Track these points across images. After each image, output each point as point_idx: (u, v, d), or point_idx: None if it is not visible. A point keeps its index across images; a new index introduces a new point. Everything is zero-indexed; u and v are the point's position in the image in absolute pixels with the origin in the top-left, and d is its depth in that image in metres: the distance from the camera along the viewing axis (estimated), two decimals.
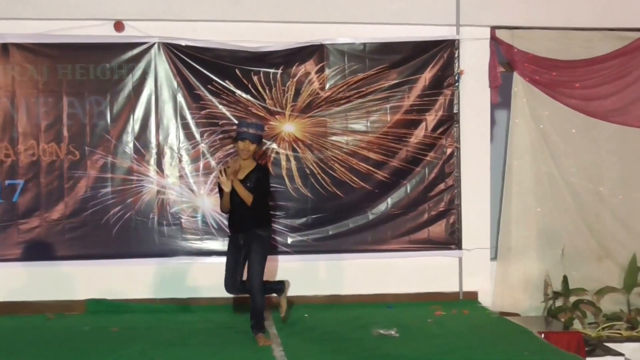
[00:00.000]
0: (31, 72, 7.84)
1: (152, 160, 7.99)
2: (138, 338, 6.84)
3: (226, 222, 7.93)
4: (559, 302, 8.31)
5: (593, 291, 8.43)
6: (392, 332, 6.92)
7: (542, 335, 7.08)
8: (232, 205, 6.63)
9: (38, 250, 7.86)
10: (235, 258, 6.81)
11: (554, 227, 8.53)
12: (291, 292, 8.09)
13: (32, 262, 7.85)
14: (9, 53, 7.79)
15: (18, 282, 7.86)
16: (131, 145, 7.94)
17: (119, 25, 7.93)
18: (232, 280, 6.83)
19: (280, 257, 8.15)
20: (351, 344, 6.64)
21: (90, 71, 7.91)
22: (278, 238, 8.13)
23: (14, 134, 7.84)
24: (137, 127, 7.95)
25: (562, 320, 8.04)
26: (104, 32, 7.91)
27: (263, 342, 6.58)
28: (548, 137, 8.46)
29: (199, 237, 8.06)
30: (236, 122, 7.93)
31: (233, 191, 6.53)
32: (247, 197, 6.52)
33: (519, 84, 8.39)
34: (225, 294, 7.90)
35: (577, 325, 8.13)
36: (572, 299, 8.27)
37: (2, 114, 7.83)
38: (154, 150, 8.00)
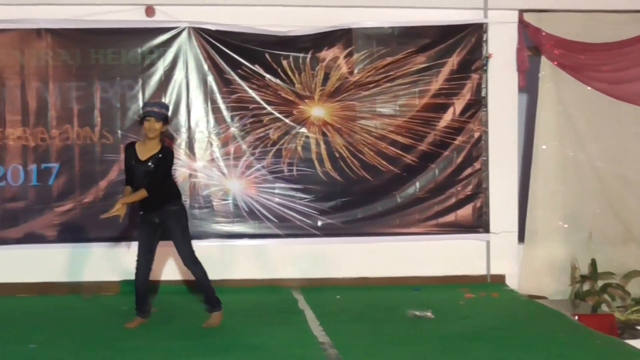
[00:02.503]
0: (64, 57, 7.91)
1: (184, 144, 8.08)
2: (178, 317, 7.02)
3: (257, 206, 8.09)
4: (586, 286, 8.32)
5: (619, 275, 8.43)
6: (428, 314, 6.98)
7: (576, 318, 7.14)
8: (139, 185, 6.53)
9: (73, 232, 7.98)
10: (151, 237, 6.66)
11: (580, 211, 8.54)
12: (321, 273, 8.27)
13: (67, 243, 7.98)
14: (43, 38, 7.86)
15: (54, 263, 7.98)
16: (163, 129, 7.99)
17: (149, 10, 7.99)
18: (145, 265, 6.63)
19: (310, 240, 8.22)
20: (387, 324, 6.73)
21: (122, 56, 7.98)
22: (308, 221, 8.20)
23: (48, 119, 7.93)
24: (169, 112, 8.00)
25: (590, 303, 8.08)
26: (135, 17, 7.97)
27: (211, 323, 6.66)
28: (575, 121, 8.46)
29: (229, 220, 8.14)
30: (266, 106, 8.05)
31: (138, 171, 6.49)
32: (141, 196, 6.43)
33: (546, 68, 8.40)
34: (259, 276, 8.15)
35: (604, 308, 8.15)
36: (600, 282, 8.28)
37: (36, 99, 7.92)
38: (185, 134, 8.08)
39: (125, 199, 6.45)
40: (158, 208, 6.59)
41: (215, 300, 6.76)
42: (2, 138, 7.92)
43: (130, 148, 6.64)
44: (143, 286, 6.70)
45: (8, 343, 6.13)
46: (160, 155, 6.53)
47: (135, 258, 6.68)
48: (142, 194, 6.42)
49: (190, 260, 6.69)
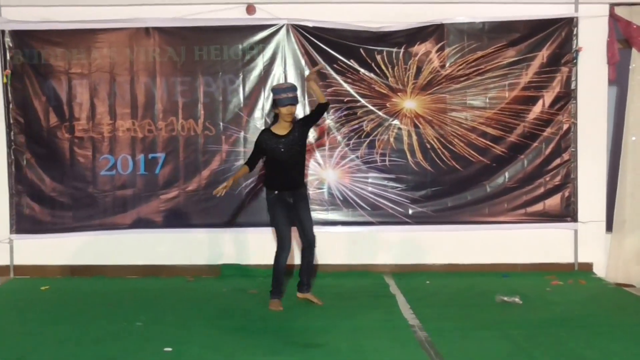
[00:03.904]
0: (170, 54, 8.40)
1: None
2: None
3: (351, 194, 8.42)
4: None
5: None
6: (516, 299, 7.14)
7: None
8: (280, 164, 6.90)
9: (177, 218, 8.49)
10: (288, 214, 6.99)
11: None
12: (412, 260, 8.56)
13: (172, 229, 8.49)
14: (151, 36, 8.37)
15: (160, 247, 8.54)
16: (262, 121, 8.40)
17: (250, 9, 8.38)
18: (290, 242, 6.98)
19: (402, 227, 8.52)
20: (475, 309, 6.93)
21: (224, 52, 8.41)
22: (399, 209, 8.49)
23: (155, 112, 8.43)
24: (267, 104, 8.41)
25: None
26: (236, 15, 8.39)
27: (317, 299, 7.15)
28: None
29: (324, 207, 8.50)
30: (360, 99, 8.38)
31: (283, 146, 6.84)
32: (321, 96, 6.92)
33: (637, 60, 8.41)
34: (353, 261, 8.50)
35: None
36: None
37: (144, 93, 8.43)
38: None
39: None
40: (296, 187, 7.00)
41: None
42: (112, 130, 8.46)
43: (266, 131, 7.02)
44: (285, 265, 7.04)
45: (117, 321, 6.61)
46: (298, 124, 6.96)
47: (276, 239, 7.08)
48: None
49: (314, 239, 7.10)
